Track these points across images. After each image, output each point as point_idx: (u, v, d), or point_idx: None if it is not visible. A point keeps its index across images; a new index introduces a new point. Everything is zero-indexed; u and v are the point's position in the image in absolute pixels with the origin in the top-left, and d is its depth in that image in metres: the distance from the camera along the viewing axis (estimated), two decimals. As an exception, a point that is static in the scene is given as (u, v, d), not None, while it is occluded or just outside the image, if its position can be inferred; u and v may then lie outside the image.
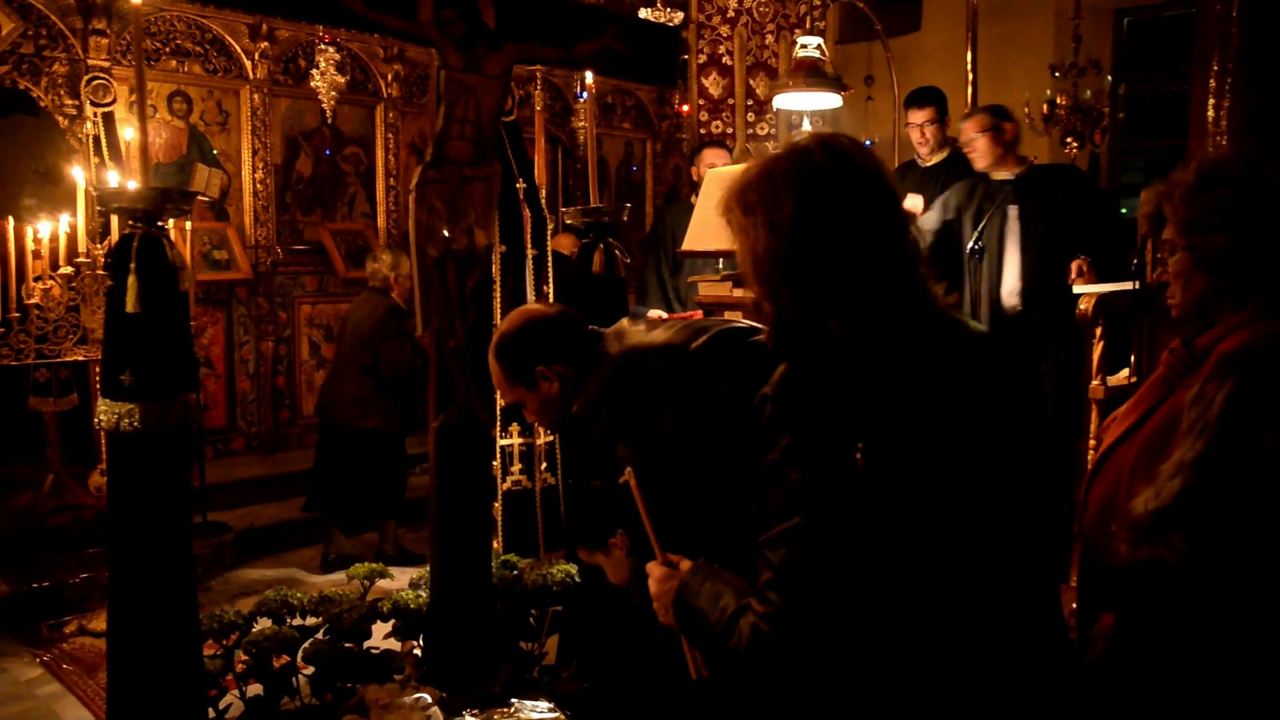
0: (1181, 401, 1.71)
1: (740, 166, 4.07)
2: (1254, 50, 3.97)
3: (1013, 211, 4.39)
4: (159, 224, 2.54)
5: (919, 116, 5.01)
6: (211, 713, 3.00)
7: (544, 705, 3.01)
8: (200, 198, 6.12)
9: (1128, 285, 3.62)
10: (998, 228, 4.39)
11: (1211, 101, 4.09)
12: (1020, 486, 1.53)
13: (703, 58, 6.44)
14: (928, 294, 1.53)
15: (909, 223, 1.53)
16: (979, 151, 4.44)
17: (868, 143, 5.94)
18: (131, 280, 2.44)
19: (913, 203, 4.60)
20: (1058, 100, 7.86)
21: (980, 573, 1.45)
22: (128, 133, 5.01)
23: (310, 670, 3.21)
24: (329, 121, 6.60)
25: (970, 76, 6.37)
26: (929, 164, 5.05)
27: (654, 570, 1.64)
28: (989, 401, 1.50)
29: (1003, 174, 4.45)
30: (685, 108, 7.68)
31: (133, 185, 2.59)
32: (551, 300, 3.99)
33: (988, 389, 1.51)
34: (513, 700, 3.03)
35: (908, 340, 1.45)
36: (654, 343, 2.34)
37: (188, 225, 5.19)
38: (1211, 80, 4.08)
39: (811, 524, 1.37)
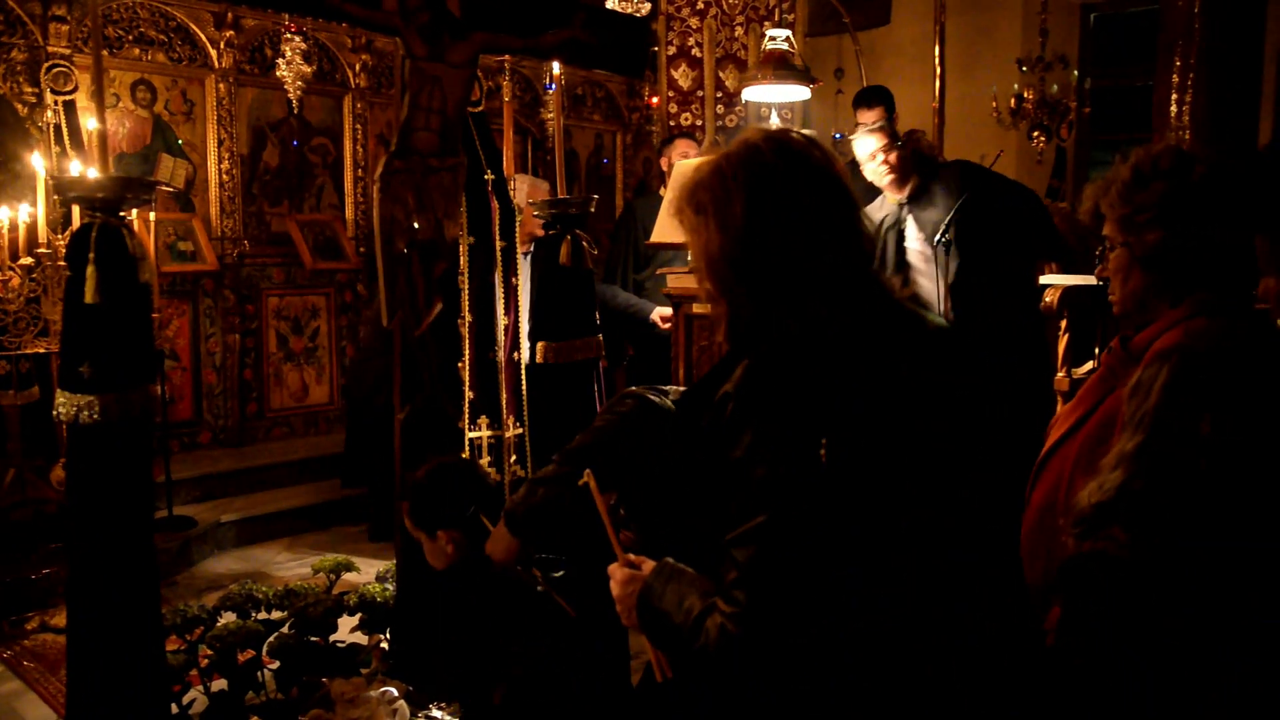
0: (1120, 399, 1.72)
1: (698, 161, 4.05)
2: (1216, 47, 4.03)
3: (911, 232, 4.22)
4: (119, 214, 2.50)
5: (868, 117, 5.02)
6: (175, 708, 2.98)
7: (511, 698, 3.00)
8: (165, 188, 6.04)
9: (1093, 279, 3.65)
10: (896, 249, 4.22)
11: (1174, 97, 4.14)
12: (991, 480, 1.54)
13: (672, 49, 6.43)
14: (885, 288, 1.53)
15: (862, 217, 1.52)
16: (890, 170, 4.18)
17: (836, 136, 5.96)
18: (90, 270, 2.40)
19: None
20: (1025, 94, 7.95)
21: (971, 567, 1.46)
22: (90, 121, 4.93)
23: (275, 664, 3.19)
24: (296, 112, 6.53)
25: (939, 70, 6.40)
26: None
27: (615, 572, 1.62)
28: (954, 395, 1.50)
29: (897, 195, 4.26)
30: (655, 100, 7.67)
31: (93, 174, 2.55)
32: (522, 293, 3.98)
33: (952, 383, 1.51)
34: (480, 693, 3.02)
35: (868, 334, 1.45)
36: None
37: (152, 216, 5.12)
38: (1175, 76, 4.14)
39: (777, 522, 1.36)
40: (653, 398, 2.24)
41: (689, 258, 4.62)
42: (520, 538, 2.27)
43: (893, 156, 4.19)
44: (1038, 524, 1.88)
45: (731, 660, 1.39)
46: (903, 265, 4.22)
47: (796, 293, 1.44)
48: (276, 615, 3.26)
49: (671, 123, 6.44)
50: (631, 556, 1.63)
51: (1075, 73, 8.49)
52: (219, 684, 3.14)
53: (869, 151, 4.23)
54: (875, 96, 5.08)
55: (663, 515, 1.77)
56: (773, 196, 1.45)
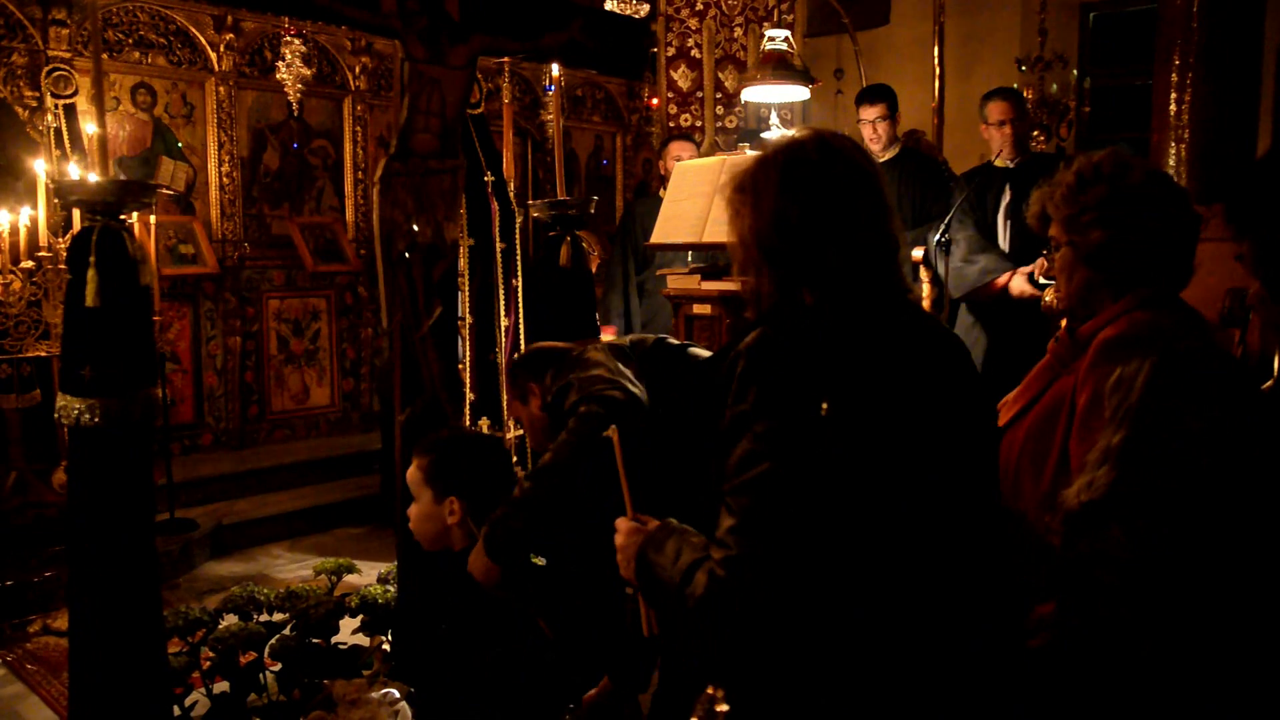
0: (1065, 386, 1.85)
1: (710, 159, 4.09)
2: (1214, 46, 4.03)
3: (1006, 199, 4.61)
4: (120, 217, 2.51)
5: (870, 113, 5.12)
6: (177, 710, 2.98)
7: (513, 699, 3.00)
8: (165, 191, 6.05)
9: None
10: (991, 214, 4.66)
11: (1173, 96, 4.14)
12: (987, 476, 1.57)
13: (671, 50, 6.43)
14: (903, 287, 1.59)
15: (892, 220, 1.59)
16: (1006, 137, 4.68)
17: (836, 136, 5.92)
18: (91, 274, 2.41)
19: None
20: (1025, 94, 7.93)
21: (969, 562, 1.47)
22: (90, 125, 4.94)
23: (277, 666, 3.19)
24: (296, 114, 6.54)
25: (938, 70, 6.41)
26: (881, 160, 5.12)
27: (622, 524, 1.67)
28: (955, 391, 1.53)
29: (1003, 162, 4.71)
30: (654, 101, 7.68)
31: (93, 178, 2.56)
32: (520, 293, 3.99)
33: (953, 379, 1.54)
34: (481, 694, 3.02)
35: (878, 321, 1.51)
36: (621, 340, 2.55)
37: (152, 219, 5.13)
38: (1173, 75, 4.13)
39: (776, 473, 1.39)
40: (616, 395, 2.27)
41: (688, 258, 4.67)
42: (499, 564, 2.31)
43: (1019, 127, 4.73)
44: None
45: (717, 609, 1.40)
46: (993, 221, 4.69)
47: (816, 277, 1.52)
48: (278, 617, 3.26)
49: (671, 123, 6.44)
50: (640, 515, 1.67)
51: (1074, 72, 8.48)
52: (221, 686, 3.14)
53: (999, 119, 4.68)
54: (878, 93, 5.18)
55: (655, 506, 1.79)
56: (805, 186, 1.54)
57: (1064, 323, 2.02)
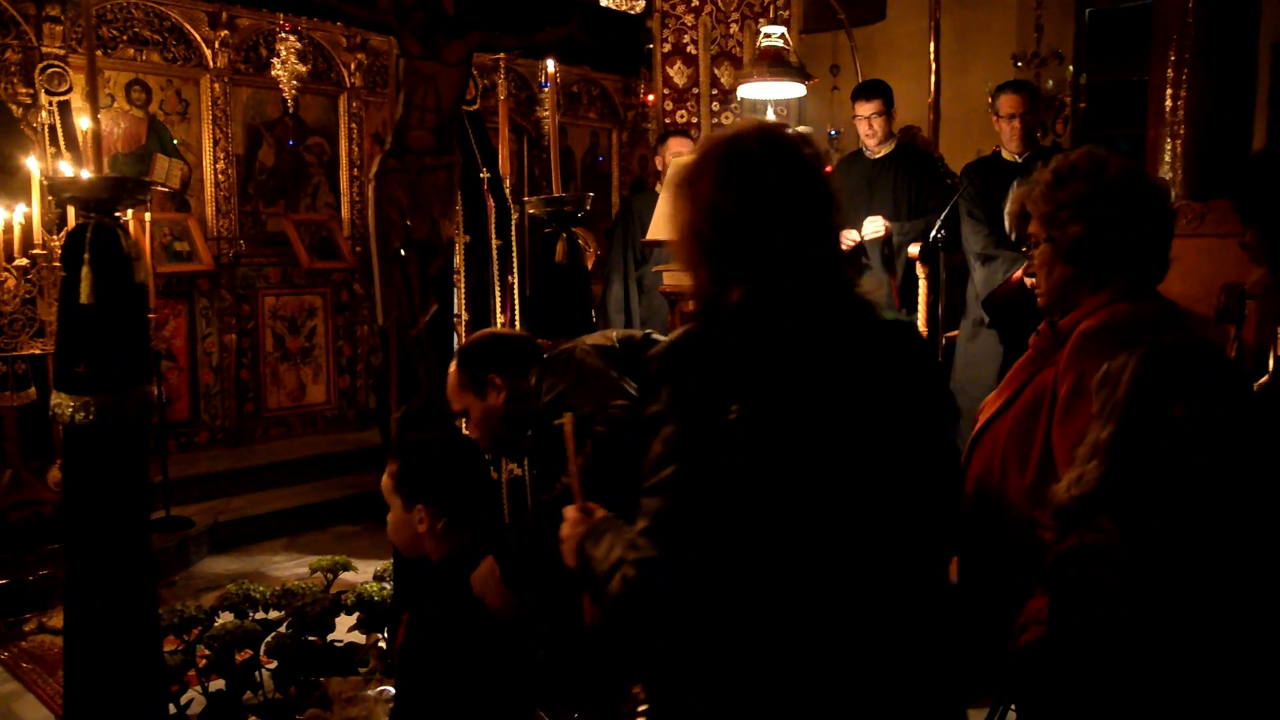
0: (1046, 378, 1.89)
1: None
2: (1210, 41, 4.03)
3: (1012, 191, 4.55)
4: (114, 214, 2.50)
5: (866, 109, 5.08)
6: (173, 708, 2.98)
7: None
8: (160, 188, 6.04)
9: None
10: (997, 206, 4.59)
11: (1169, 91, 4.15)
12: (922, 475, 1.54)
13: (667, 47, 6.41)
14: (843, 280, 1.55)
15: (835, 215, 1.56)
16: (1015, 131, 4.59)
17: (832, 132, 5.94)
18: (85, 271, 2.41)
19: (874, 228, 4.72)
20: (1022, 90, 7.92)
21: (908, 566, 1.46)
22: (84, 122, 4.92)
23: (273, 664, 3.19)
24: (291, 111, 6.53)
25: (934, 66, 6.41)
26: (877, 156, 5.10)
27: (569, 514, 1.66)
28: (897, 391, 1.50)
29: (1011, 155, 4.64)
30: (650, 97, 7.67)
31: (87, 175, 2.55)
32: (520, 290, 3.98)
33: (898, 379, 1.51)
34: (478, 691, 3.02)
35: (814, 320, 1.47)
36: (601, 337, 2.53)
37: (147, 216, 5.12)
38: (1169, 70, 4.14)
39: (684, 475, 1.38)
40: (620, 415, 2.25)
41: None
42: (516, 595, 2.26)
43: (1029, 121, 4.62)
44: (975, 496, 1.99)
45: (626, 608, 1.40)
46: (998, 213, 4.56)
47: (750, 273, 1.48)
48: (274, 615, 3.26)
49: (667, 120, 6.43)
50: (590, 505, 1.65)
51: (1070, 68, 8.48)
52: (217, 684, 3.14)
53: (1010, 112, 4.58)
54: (874, 89, 5.15)
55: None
56: (742, 179, 1.50)
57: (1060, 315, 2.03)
